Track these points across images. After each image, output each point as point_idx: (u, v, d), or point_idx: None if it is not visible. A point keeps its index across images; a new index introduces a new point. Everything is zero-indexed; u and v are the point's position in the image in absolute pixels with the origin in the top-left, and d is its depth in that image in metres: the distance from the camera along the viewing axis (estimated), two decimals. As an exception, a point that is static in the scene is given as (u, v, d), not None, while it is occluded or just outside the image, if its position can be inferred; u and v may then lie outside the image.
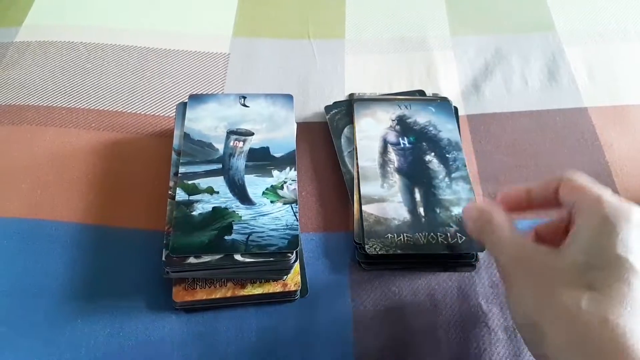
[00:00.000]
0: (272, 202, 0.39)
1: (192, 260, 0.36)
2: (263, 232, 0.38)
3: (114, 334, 0.37)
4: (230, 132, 0.43)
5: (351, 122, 0.47)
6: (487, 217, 0.32)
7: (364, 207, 0.41)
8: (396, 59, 0.55)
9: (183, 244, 0.36)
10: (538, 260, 0.28)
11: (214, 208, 0.39)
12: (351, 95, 0.51)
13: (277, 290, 0.37)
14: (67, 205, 0.43)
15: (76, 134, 0.48)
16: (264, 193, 0.40)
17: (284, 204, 0.39)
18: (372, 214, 0.41)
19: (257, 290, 0.37)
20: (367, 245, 0.39)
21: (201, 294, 0.37)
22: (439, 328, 0.38)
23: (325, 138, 0.47)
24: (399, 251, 0.39)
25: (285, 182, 0.40)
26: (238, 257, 0.36)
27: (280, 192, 0.40)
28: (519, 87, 0.52)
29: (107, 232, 0.42)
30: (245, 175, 0.41)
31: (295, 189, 0.40)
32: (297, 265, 0.38)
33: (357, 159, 0.44)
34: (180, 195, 0.39)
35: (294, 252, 0.37)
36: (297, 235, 0.38)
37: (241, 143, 0.42)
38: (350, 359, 0.36)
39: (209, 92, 0.51)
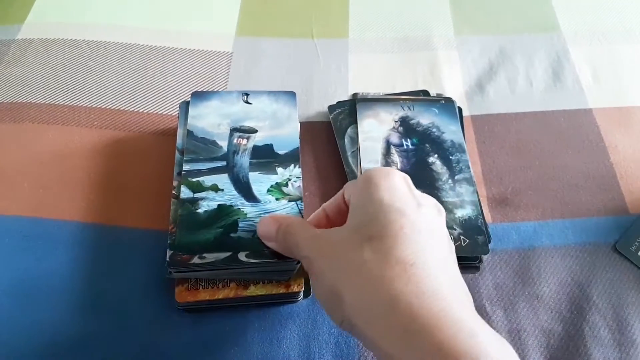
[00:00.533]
0: (277, 199, 0.39)
1: (195, 260, 0.36)
2: None
3: (115, 334, 0.37)
4: (233, 130, 0.43)
5: (355, 122, 0.46)
6: (289, 229, 0.32)
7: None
8: (400, 58, 0.55)
9: (188, 242, 0.36)
10: (330, 239, 0.29)
11: (219, 205, 0.38)
12: (355, 94, 0.51)
13: (281, 291, 0.37)
14: (69, 204, 0.43)
15: (78, 132, 0.47)
16: (268, 190, 0.40)
17: (289, 201, 0.39)
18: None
19: (260, 291, 0.37)
20: None
21: (204, 295, 0.37)
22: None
23: (328, 138, 0.47)
24: None
25: (289, 180, 0.40)
26: (242, 257, 0.36)
27: (285, 189, 0.40)
28: (524, 87, 0.52)
29: (110, 232, 0.41)
30: (250, 173, 0.40)
31: (300, 186, 0.40)
32: (300, 266, 0.37)
33: (360, 160, 0.44)
34: (185, 192, 0.39)
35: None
36: None
37: (245, 140, 0.42)
38: (353, 359, 0.36)
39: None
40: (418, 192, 0.29)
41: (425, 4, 0.60)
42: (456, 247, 0.38)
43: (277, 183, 0.40)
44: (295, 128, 0.43)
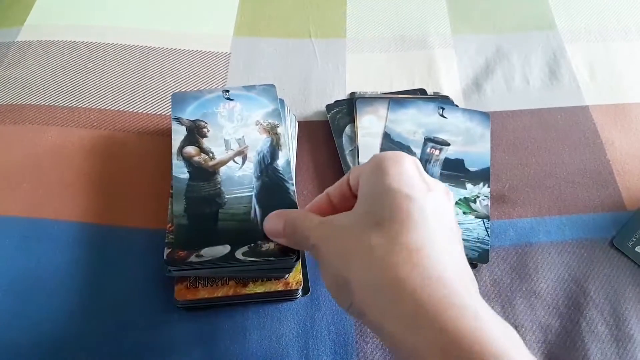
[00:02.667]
0: (464, 213, 0.40)
1: (192, 258, 0.36)
2: None
3: (115, 333, 0.37)
4: (427, 139, 0.44)
5: (352, 120, 0.47)
6: (296, 222, 0.32)
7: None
8: (397, 57, 0.55)
9: None
10: (337, 224, 0.29)
11: None
12: (352, 94, 0.51)
13: (279, 289, 0.37)
14: (69, 205, 0.43)
15: (78, 133, 0.48)
16: (457, 203, 0.41)
17: (476, 217, 0.41)
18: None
19: (259, 288, 0.37)
20: None
21: (203, 293, 0.37)
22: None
23: (326, 136, 0.48)
24: None
25: (478, 197, 0.42)
26: (239, 255, 0.36)
27: (473, 205, 0.41)
28: (520, 85, 0.53)
29: (109, 231, 0.42)
30: None
31: (487, 205, 0.41)
32: (298, 264, 0.38)
33: (358, 156, 0.44)
34: None
35: (296, 251, 0.37)
36: (488, 250, 0.39)
37: (437, 151, 0.44)
38: (352, 356, 0.37)
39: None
40: (428, 177, 0.29)
41: (422, 3, 0.60)
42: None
43: (465, 197, 0.41)
44: (487, 148, 0.45)
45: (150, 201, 0.43)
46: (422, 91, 0.50)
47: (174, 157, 0.40)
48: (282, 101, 0.45)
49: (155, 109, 0.50)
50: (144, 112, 0.50)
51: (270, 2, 0.60)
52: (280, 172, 0.40)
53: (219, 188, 0.39)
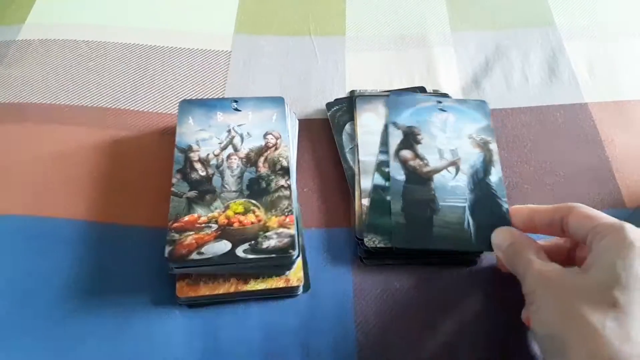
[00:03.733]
0: None
1: (194, 256, 0.36)
2: None
3: (117, 330, 0.37)
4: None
5: (352, 118, 0.47)
6: (518, 248, 0.34)
7: (364, 201, 0.41)
8: (396, 55, 0.55)
9: (377, 224, 0.40)
10: (565, 283, 0.29)
11: None
12: (352, 92, 0.51)
13: (280, 286, 0.38)
14: (70, 203, 0.43)
15: (79, 131, 0.48)
16: None
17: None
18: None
19: (260, 285, 0.38)
20: (365, 238, 0.39)
21: (204, 290, 0.37)
22: (440, 323, 0.38)
23: (326, 134, 0.48)
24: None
25: None
26: (239, 253, 0.36)
27: None
28: (519, 83, 0.53)
29: (111, 229, 0.42)
30: None
31: None
32: (299, 261, 0.38)
33: (358, 154, 0.44)
34: (378, 180, 0.42)
35: (297, 248, 0.37)
36: None
37: None
38: (352, 353, 0.37)
39: (210, 90, 0.52)
40: None
41: (421, 1, 0.60)
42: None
43: None
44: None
45: (152, 199, 0.43)
46: (422, 89, 0.50)
47: (391, 158, 0.43)
48: (282, 99, 0.46)
49: (157, 107, 0.50)
50: (145, 110, 0.50)
51: (270, 0, 0.60)
52: (494, 188, 0.41)
53: (433, 194, 0.41)
